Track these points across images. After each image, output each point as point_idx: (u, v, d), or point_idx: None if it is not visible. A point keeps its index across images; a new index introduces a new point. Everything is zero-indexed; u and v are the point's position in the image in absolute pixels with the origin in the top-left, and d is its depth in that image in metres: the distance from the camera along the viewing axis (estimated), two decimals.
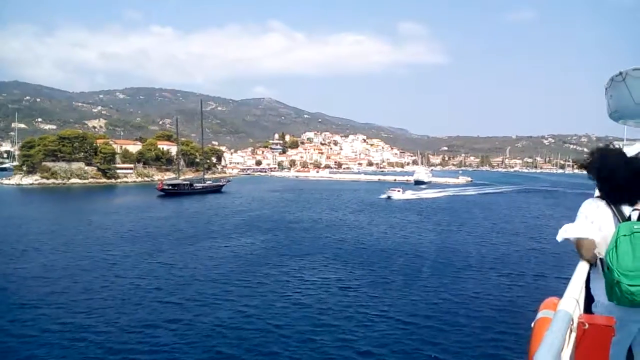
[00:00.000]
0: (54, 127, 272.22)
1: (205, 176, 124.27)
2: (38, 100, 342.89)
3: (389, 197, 69.23)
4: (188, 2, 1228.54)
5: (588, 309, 2.74)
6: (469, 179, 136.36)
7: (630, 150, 3.15)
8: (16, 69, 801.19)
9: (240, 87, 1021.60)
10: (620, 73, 4.75)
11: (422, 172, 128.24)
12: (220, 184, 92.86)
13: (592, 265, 2.75)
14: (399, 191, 71.36)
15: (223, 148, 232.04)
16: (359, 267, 25.08)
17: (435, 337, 15.19)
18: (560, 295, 2.24)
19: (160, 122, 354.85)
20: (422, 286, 21.24)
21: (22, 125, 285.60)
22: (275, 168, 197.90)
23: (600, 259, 2.71)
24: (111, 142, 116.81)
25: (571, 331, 2.05)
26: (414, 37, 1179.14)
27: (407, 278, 22.75)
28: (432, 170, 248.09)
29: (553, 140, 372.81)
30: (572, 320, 2.02)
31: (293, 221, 43.38)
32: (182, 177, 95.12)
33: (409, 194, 74.49)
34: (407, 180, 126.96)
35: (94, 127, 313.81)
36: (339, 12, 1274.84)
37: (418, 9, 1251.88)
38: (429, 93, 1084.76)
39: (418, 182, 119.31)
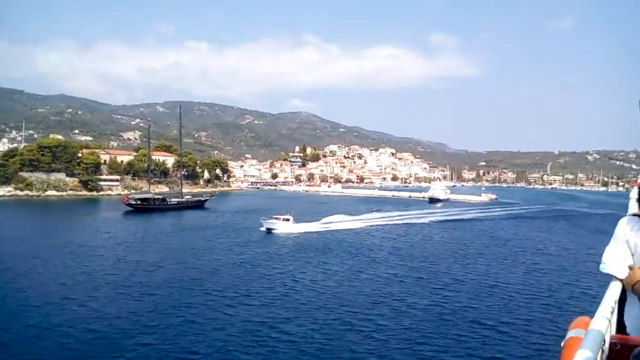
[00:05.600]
0: (90, 138, 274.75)
1: (205, 190, 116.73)
2: (79, 112, 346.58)
3: (269, 231, 47.58)
4: (221, 18, 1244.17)
5: (622, 329, 2.66)
6: (494, 196, 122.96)
7: None
8: (62, 83, 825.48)
9: (278, 101, 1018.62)
10: None
11: (437, 189, 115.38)
12: (202, 199, 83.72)
13: None
14: (287, 220, 49.44)
15: (253, 161, 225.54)
16: None
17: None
18: (591, 314, 2.19)
19: (196, 135, 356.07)
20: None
21: (60, 137, 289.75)
22: (292, 182, 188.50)
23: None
24: (101, 153, 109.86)
25: (602, 352, 1.96)
26: (446, 49, 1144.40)
27: None
28: (462, 185, 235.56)
29: (598, 157, 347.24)
30: (604, 340, 1.94)
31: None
32: (155, 191, 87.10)
33: (316, 225, 52.40)
34: (423, 197, 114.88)
35: (129, 139, 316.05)
36: (371, 25, 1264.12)
37: (449, 20, 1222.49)
38: (467, 106, 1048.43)
39: (433, 200, 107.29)
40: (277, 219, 49.32)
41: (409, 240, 44.60)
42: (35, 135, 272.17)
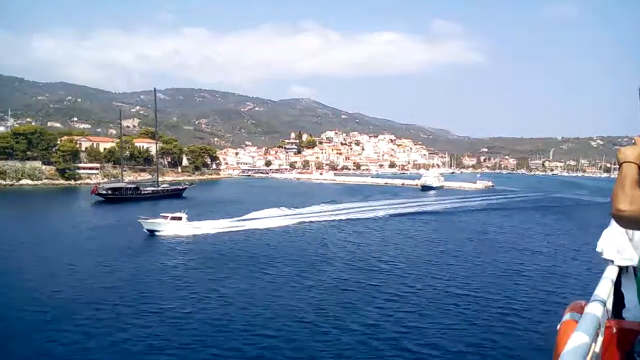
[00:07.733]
0: (89, 126, 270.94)
1: (191, 178, 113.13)
2: (79, 100, 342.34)
3: (151, 233, 38.00)
4: (218, 4, 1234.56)
5: (619, 314, 2.69)
6: (490, 184, 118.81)
7: None
8: (62, 71, 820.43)
9: (279, 88, 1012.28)
10: None
11: (430, 176, 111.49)
12: (180, 187, 79.95)
13: (624, 270, 2.73)
14: (177, 219, 39.30)
15: (253, 148, 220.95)
16: None
17: (460, 340, 16.00)
18: (587, 298, 2.21)
19: (197, 122, 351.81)
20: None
21: (58, 125, 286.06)
22: (286, 169, 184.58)
23: (634, 266, 2.61)
24: (82, 140, 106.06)
25: (598, 335, 2.00)
26: (449, 35, 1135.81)
27: None
28: (461, 172, 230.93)
29: (602, 142, 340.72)
30: (600, 324, 1.95)
31: None
32: (138, 179, 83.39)
33: (224, 224, 42.30)
34: (416, 185, 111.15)
35: (128, 127, 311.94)
36: (370, 10, 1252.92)
37: (450, 5, 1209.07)
38: (470, 93, 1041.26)
39: (425, 188, 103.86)
40: (164, 217, 39.25)
41: (350, 242, 36.22)
42: (34, 123, 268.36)
